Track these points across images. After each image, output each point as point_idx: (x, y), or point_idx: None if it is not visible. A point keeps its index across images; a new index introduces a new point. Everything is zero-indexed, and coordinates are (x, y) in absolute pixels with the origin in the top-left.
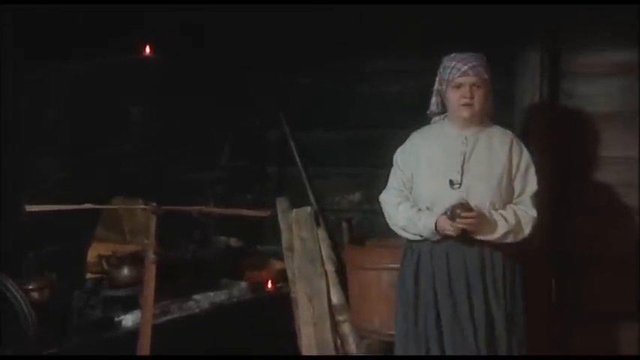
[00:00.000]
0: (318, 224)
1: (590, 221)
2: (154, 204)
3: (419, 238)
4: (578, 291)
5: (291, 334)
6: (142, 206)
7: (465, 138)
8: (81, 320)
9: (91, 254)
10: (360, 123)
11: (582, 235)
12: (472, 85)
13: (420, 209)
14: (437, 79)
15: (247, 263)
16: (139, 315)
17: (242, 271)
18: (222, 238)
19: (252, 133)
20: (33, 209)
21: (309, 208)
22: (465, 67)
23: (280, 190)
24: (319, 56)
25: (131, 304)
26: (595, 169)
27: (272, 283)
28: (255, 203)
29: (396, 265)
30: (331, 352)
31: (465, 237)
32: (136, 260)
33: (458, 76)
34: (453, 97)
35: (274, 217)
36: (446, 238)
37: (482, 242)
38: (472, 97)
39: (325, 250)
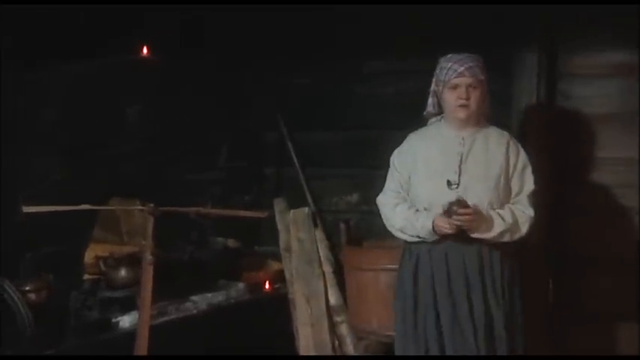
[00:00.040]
0: (315, 225)
1: (587, 222)
2: (152, 205)
3: (416, 239)
4: (575, 291)
5: (288, 335)
6: (140, 207)
7: (462, 139)
8: (78, 321)
9: (89, 255)
10: (357, 124)
11: (579, 236)
12: (468, 86)
13: (417, 210)
14: (433, 79)
15: (245, 264)
16: (137, 316)
17: (240, 272)
18: (220, 239)
19: (249, 133)
20: (30, 210)
21: (306, 209)
22: (461, 68)
23: (278, 191)
24: (317, 57)
25: (128, 305)
26: (592, 169)
27: (270, 284)
28: (253, 204)
29: (393, 266)
30: (329, 353)
31: (463, 237)
32: (133, 261)
33: (454, 77)
34: (450, 98)
35: (272, 218)
36: (444, 238)
37: (480, 242)
38: (468, 98)
39: (323, 251)
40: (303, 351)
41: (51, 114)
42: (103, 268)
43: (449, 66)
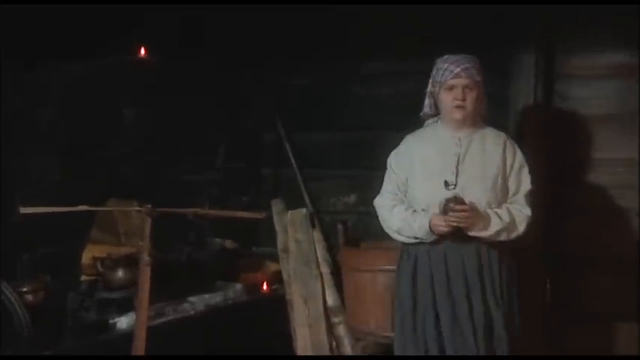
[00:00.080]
0: (313, 226)
1: (584, 222)
2: (149, 206)
3: (414, 240)
4: (573, 292)
5: (286, 336)
6: (137, 208)
7: (459, 139)
8: (75, 322)
9: (86, 256)
10: (355, 125)
11: (576, 236)
12: (464, 87)
13: (414, 211)
14: (430, 80)
15: (242, 265)
16: (134, 317)
17: (237, 272)
18: (218, 239)
19: (247, 134)
20: (27, 211)
21: (304, 210)
22: (458, 69)
23: (275, 192)
24: (314, 58)
25: (126, 306)
26: (589, 170)
27: (267, 284)
28: (251, 205)
29: (391, 267)
30: (326, 353)
31: (461, 236)
32: (130, 262)
33: (450, 78)
34: (446, 99)
35: (269, 219)
36: (442, 238)
37: (478, 241)
38: (464, 99)
39: (320, 252)
40: (300, 352)
41: (49, 114)
42: (100, 269)
43: (445, 67)
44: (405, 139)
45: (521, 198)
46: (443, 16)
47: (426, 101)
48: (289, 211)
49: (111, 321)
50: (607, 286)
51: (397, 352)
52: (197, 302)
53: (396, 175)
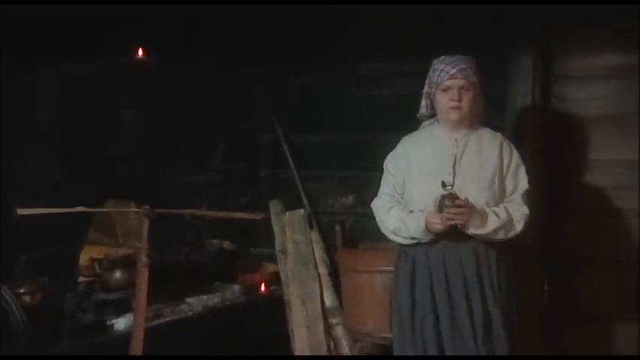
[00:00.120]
0: (311, 227)
1: (581, 223)
2: (147, 207)
3: (411, 241)
4: (570, 293)
5: (284, 337)
6: (135, 209)
7: (456, 140)
8: (73, 324)
9: (84, 257)
10: (353, 126)
11: (574, 238)
12: (460, 87)
13: (411, 211)
14: (426, 81)
15: (240, 266)
16: (132, 318)
17: (235, 273)
18: (215, 241)
19: (245, 135)
20: (25, 212)
21: (302, 211)
22: (454, 70)
23: (273, 193)
24: (312, 59)
25: (123, 307)
26: (586, 171)
27: (265, 285)
28: (249, 206)
29: (389, 268)
30: (324, 354)
31: (458, 235)
32: (128, 263)
33: (446, 79)
34: (442, 100)
35: (267, 220)
36: (440, 238)
37: (476, 241)
38: (460, 100)
39: (318, 253)
40: (298, 353)
41: (47, 115)
42: (98, 270)
43: (441, 68)
44: (401, 141)
45: (518, 197)
46: (441, 18)
47: (423, 102)
48: (287, 212)
49: (108, 322)
50: (604, 286)
51: (396, 353)
52: (195, 303)
53: (392, 177)
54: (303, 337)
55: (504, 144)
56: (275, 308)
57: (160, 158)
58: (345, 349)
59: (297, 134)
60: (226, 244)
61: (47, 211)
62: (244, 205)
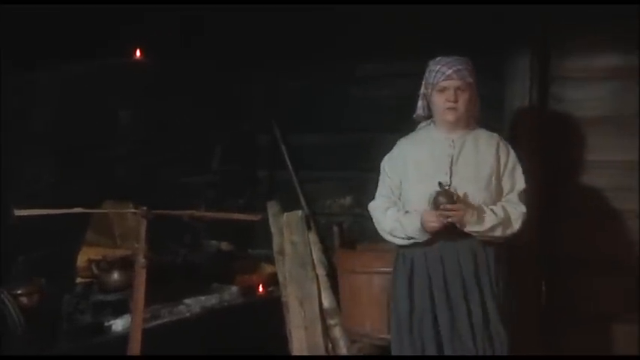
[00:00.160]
0: (309, 228)
1: (579, 224)
2: (145, 208)
3: (407, 242)
4: (567, 293)
5: (282, 338)
6: (133, 210)
7: (452, 141)
8: (71, 325)
9: (81, 258)
10: (351, 127)
11: (571, 238)
12: (456, 88)
13: (407, 212)
14: (423, 82)
15: (238, 267)
16: (129, 319)
17: (233, 275)
18: (213, 242)
19: (243, 136)
20: (22, 213)
21: (300, 212)
22: (450, 71)
23: (271, 194)
24: (310, 60)
25: (121, 308)
26: (584, 172)
27: (263, 287)
28: (246, 207)
29: (387, 269)
30: (322, 355)
31: (456, 233)
32: (126, 264)
33: (442, 80)
34: (438, 101)
35: (265, 221)
36: (437, 237)
37: (473, 240)
38: (456, 101)
39: (316, 254)
40: (296, 354)
41: (45, 115)
42: (95, 271)
43: (437, 69)
44: (398, 143)
45: (515, 196)
46: (439, 18)
47: (419, 103)
48: (285, 213)
49: (106, 323)
50: (602, 287)
51: (394, 354)
52: (193, 304)
53: (389, 179)
54: (300, 338)
55: (501, 144)
56: (273, 309)
57: (157, 159)
58: (343, 350)
59: (295, 135)
60: (224, 245)
61: (45, 212)
62: (242, 206)
